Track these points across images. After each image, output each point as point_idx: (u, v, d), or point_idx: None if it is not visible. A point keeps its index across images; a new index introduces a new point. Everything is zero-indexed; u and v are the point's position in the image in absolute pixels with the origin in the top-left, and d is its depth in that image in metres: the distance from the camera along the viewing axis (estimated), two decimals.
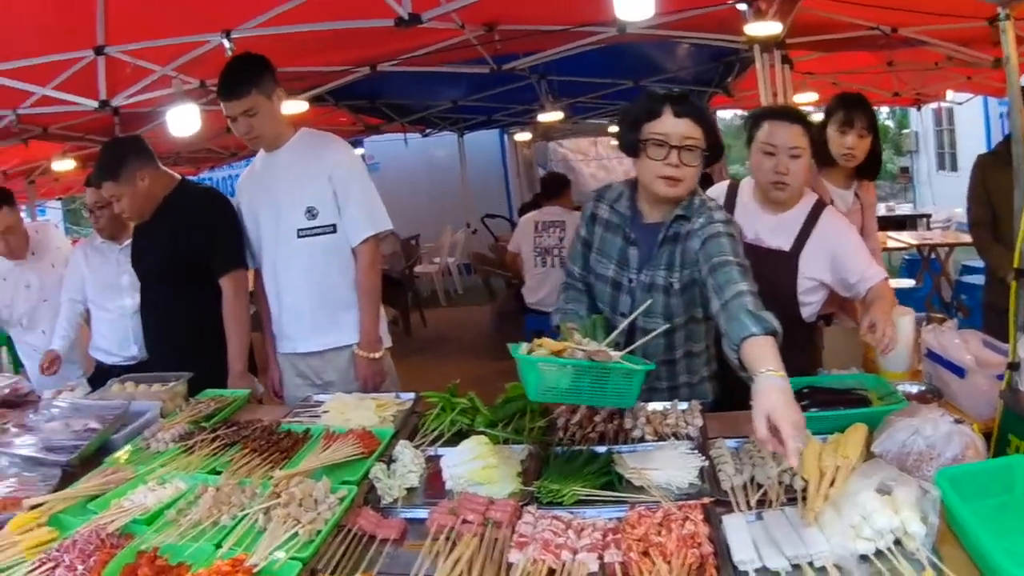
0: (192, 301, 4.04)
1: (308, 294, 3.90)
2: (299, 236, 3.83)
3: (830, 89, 8.13)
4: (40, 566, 2.25)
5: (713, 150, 2.76)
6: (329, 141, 3.95)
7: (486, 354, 9.50)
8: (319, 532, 2.25)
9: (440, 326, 12.13)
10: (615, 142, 3.10)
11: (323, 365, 4.00)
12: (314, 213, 3.81)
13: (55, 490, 2.83)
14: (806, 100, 8.50)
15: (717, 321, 2.57)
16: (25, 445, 3.25)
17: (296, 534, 2.23)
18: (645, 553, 1.90)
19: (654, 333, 2.66)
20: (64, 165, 7.75)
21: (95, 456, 3.13)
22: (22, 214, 5.51)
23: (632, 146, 2.80)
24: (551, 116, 9.46)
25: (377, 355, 3.88)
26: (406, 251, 12.31)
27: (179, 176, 4.20)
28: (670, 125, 2.69)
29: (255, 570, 2.06)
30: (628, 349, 2.61)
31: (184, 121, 4.68)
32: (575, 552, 1.97)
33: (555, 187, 8.42)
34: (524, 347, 2.58)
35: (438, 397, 3.17)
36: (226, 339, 3.95)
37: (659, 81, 8.43)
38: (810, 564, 1.83)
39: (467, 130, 13.90)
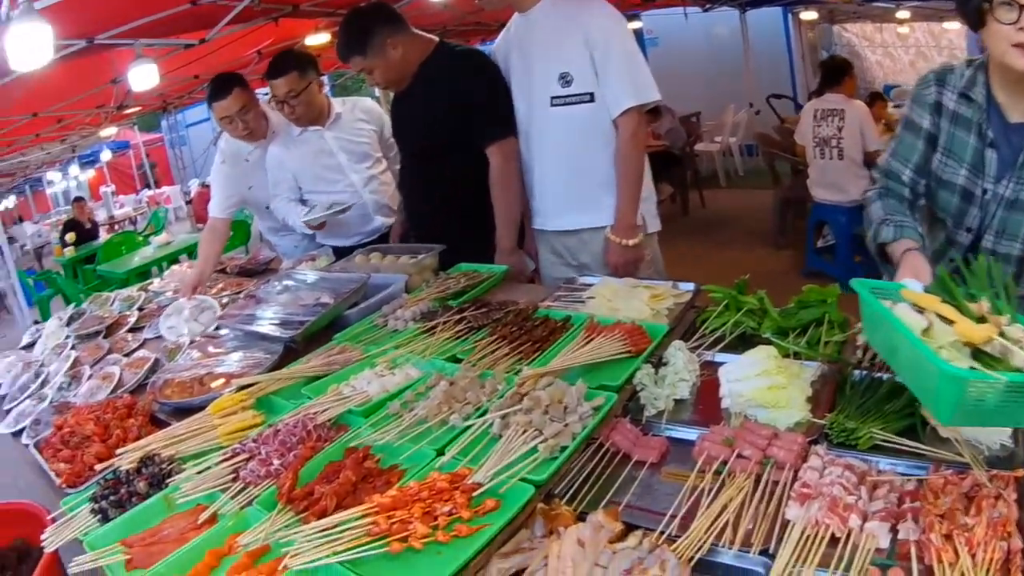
0: (455, 173, 3.74)
1: (562, 168, 3.51)
2: (552, 105, 3.41)
3: None
4: (231, 457, 2.08)
5: None
6: (587, 1, 3.43)
7: (769, 243, 8.93)
8: (563, 449, 1.90)
9: (719, 207, 11.47)
10: (902, 29, 2.30)
11: (578, 246, 3.61)
12: (568, 80, 3.36)
13: (273, 369, 2.66)
14: None
15: None
16: (249, 318, 3.15)
17: (535, 449, 1.88)
18: (947, 536, 1.50)
19: None
20: (318, 39, 7.68)
21: (326, 333, 2.95)
22: None
23: (975, 13, 2.08)
24: None
25: (631, 242, 3.41)
26: (686, 127, 11.70)
27: (436, 39, 3.78)
28: None
29: (477, 491, 1.75)
30: None
31: None
32: (865, 517, 1.59)
33: (835, 74, 7.39)
34: (912, 314, 1.79)
35: (723, 293, 2.66)
36: (493, 213, 3.66)
37: None
38: None
39: (748, 6, 13.05)
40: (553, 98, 3.39)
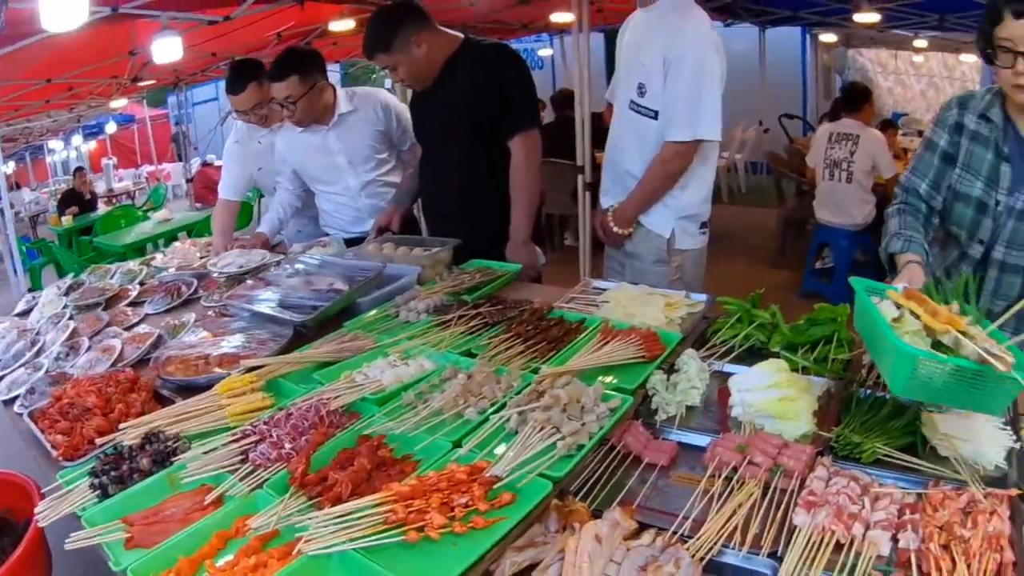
0: (476, 168, 3.77)
1: (615, 164, 3.71)
2: (630, 108, 3.50)
3: None
4: (243, 437, 2.05)
5: None
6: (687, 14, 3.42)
7: (768, 261, 9.05)
8: (580, 447, 1.91)
9: (722, 223, 11.43)
10: (917, 58, 2.47)
11: None
12: (643, 91, 3.43)
13: (282, 352, 2.64)
14: None
15: None
16: (258, 299, 3.13)
17: (553, 446, 1.90)
18: (945, 546, 1.60)
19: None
20: (343, 25, 7.69)
21: (335, 319, 2.93)
22: None
23: (984, 56, 2.42)
24: (867, 17, 8.87)
25: (621, 230, 3.61)
26: None
27: (461, 36, 3.81)
28: (1012, 28, 2.26)
29: (496, 484, 1.76)
30: (999, 321, 2.00)
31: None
32: (867, 526, 1.67)
33: (856, 99, 7.52)
34: (889, 305, 2.05)
35: (737, 305, 2.72)
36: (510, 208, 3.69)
37: None
38: None
39: (769, 24, 13.20)
40: (631, 102, 3.44)
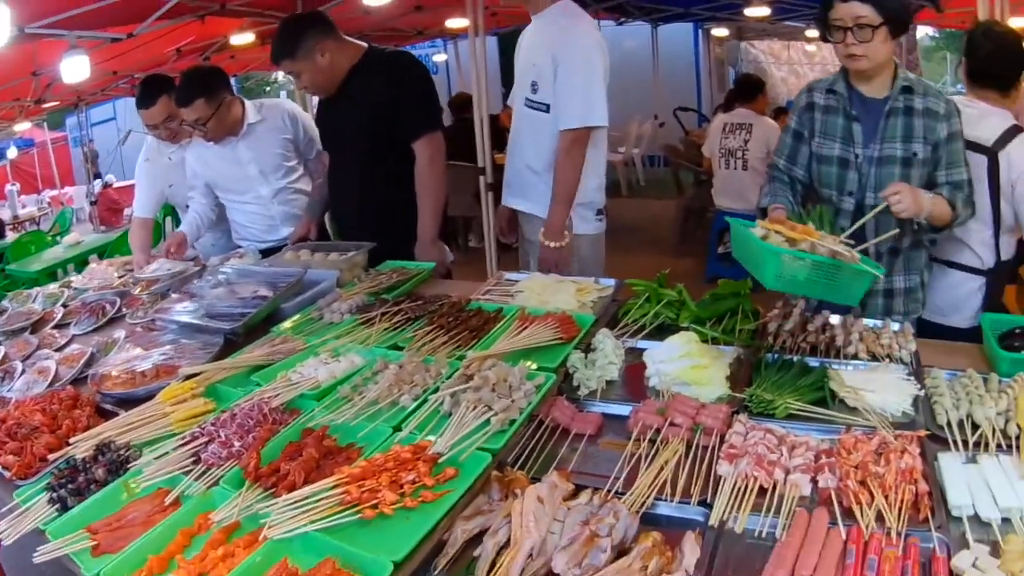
0: (381, 173, 3.90)
1: (515, 158, 3.96)
2: (526, 105, 3.76)
3: None
4: (192, 440, 2.15)
5: (893, 23, 2.77)
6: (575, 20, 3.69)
7: (670, 251, 9.26)
8: (512, 422, 2.08)
9: (622, 216, 11.60)
10: (809, 47, 2.97)
11: (523, 223, 4.03)
12: (535, 87, 3.67)
13: (215, 359, 2.73)
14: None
15: None
16: (186, 311, 3.21)
17: (487, 422, 2.05)
18: (862, 482, 1.80)
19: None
20: (243, 39, 7.67)
21: (262, 326, 3.04)
22: None
23: (822, 32, 2.94)
24: (758, 11, 9.23)
25: (555, 244, 3.65)
26: None
27: (365, 45, 3.95)
28: (841, 10, 2.78)
29: (439, 459, 1.91)
30: (863, 247, 2.52)
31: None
32: (787, 471, 1.85)
33: (749, 90, 7.90)
34: (758, 229, 2.49)
35: (644, 286, 2.95)
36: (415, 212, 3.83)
37: None
38: (1022, 519, 1.68)
39: (661, 21, 13.48)
40: (526, 99, 3.66)
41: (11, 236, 12.63)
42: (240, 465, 1.95)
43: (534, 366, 2.40)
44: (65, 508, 1.99)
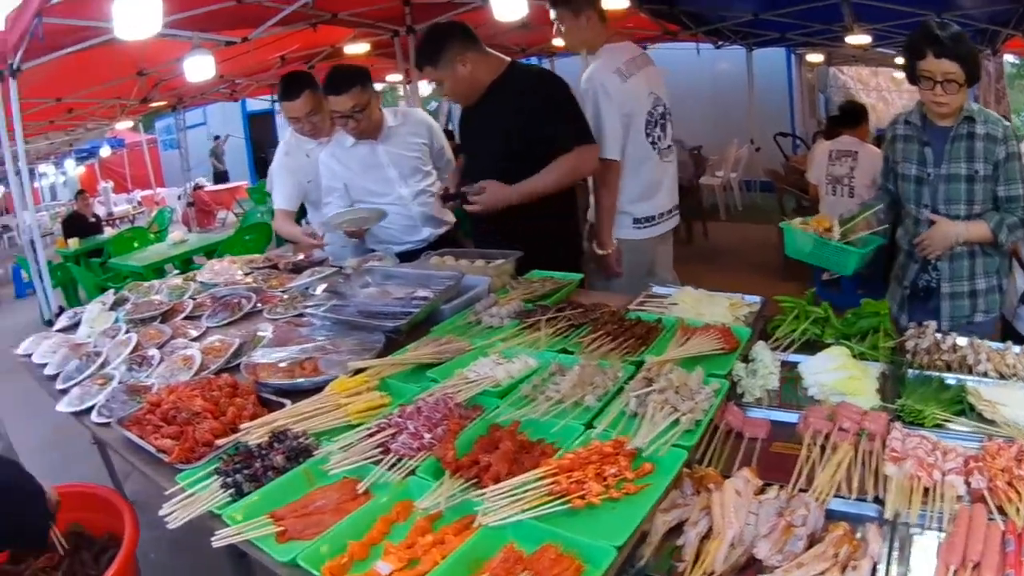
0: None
1: None
2: None
3: None
4: (379, 431, 2.18)
5: (970, 77, 3.16)
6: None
7: (774, 275, 8.98)
8: (698, 422, 2.13)
9: (721, 239, 11.76)
10: (897, 74, 3.00)
11: None
12: None
13: (377, 357, 2.74)
14: None
15: None
16: (339, 308, 3.24)
17: (677, 421, 2.12)
18: (1009, 483, 1.91)
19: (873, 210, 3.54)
20: (357, 48, 7.77)
21: (419, 327, 3.07)
22: None
23: (910, 77, 3.30)
24: (859, 39, 9.45)
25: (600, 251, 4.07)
26: (694, 160, 11.97)
27: (508, 59, 4.00)
28: (933, 64, 3.12)
29: (640, 454, 1.97)
30: (854, 223, 3.45)
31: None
32: (944, 473, 1.98)
33: (854, 117, 7.81)
34: (797, 220, 3.50)
35: (792, 302, 3.06)
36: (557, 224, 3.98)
37: (956, 17, 8.09)
38: None
39: (756, 46, 13.49)
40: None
41: (108, 232, 12.96)
42: (437, 455, 1.97)
43: (703, 374, 2.42)
44: (241, 494, 1.99)
